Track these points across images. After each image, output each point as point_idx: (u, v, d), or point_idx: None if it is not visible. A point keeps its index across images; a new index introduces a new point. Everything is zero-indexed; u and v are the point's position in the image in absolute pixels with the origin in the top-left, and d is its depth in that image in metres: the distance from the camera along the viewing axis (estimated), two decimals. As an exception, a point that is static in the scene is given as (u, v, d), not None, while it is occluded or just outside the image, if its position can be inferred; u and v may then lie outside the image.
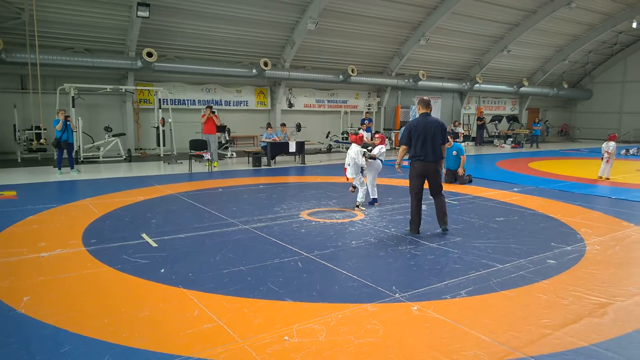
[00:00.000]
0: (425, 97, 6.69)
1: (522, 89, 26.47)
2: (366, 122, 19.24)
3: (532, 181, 11.65)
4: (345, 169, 8.14)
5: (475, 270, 4.99)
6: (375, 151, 8.50)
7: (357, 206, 8.11)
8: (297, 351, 3.28)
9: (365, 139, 17.00)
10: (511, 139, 24.28)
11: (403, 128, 6.63)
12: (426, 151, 6.31)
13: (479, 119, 25.07)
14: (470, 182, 11.20)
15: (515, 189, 10.39)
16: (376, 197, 8.57)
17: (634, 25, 23.20)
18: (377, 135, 9.09)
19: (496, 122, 26.16)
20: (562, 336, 3.59)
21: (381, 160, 8.56)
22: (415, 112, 22.82)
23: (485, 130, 25.37)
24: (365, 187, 8.25)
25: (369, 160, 8.37)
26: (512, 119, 26.92)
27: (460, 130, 23.15)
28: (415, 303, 4.12)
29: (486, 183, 11.28)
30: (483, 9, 20.02)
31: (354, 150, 8.01)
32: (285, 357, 3.21)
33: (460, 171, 11.09)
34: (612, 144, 12.00)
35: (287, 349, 3.32)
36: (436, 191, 6.56)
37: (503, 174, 13.09)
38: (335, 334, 3.53)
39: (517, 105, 29.57)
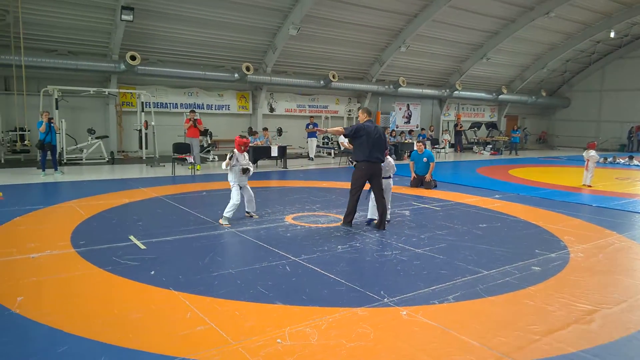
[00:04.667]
0: (367, 107, 7.28)
1: (501, 96, 26.97)
2: (310, 126, 18.77)
3: (512, 188, 11.86)
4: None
5: (461, 276, 5.08)
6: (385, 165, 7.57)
7: (223, 217, 7.20)
8: (290, 354, 3.32)
9: (342, 143, 17.11)
10: (490, 146, 24.72)
11: (355, 125, 7.21)
12: (374, 153, 6.88)
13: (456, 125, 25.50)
14: (435, 186, 11.42)
15: (496, 196, 10.57)
16: (375, 218, 7.32)
17: (612, 34, 23.88)
18: None
19: (475, 129, 26.61)
20: (551, 342, 3.66)
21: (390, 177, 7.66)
22: (395, 117, 23.18)
23: (463, 137, 25.76)
24: (231, 201, 7.15)
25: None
26: (491, 125, 27.41)
27: (446, 137, 23.44)
28: (404, 308, 4.19)
29: (467, 189, 11.46)
30: (463, 18, 20.39)
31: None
32: (279, 359, 3.26)
33: (427, 177, 11.33)
34: (592, 152, 12.30)
35: (280, 351, 3.36)
36: (381, 192, 7.03)
37: (484, 181, 13.33)
38: (327, 338, 3.58)
39: (496, 113, 30.10)
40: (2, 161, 14.24)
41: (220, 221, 7.16)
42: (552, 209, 9.17)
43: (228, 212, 7.14)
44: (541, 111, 32.67)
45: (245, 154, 7.49)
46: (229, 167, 7.16)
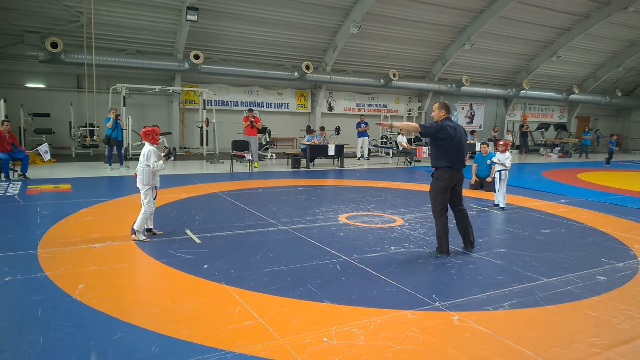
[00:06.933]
0: (445, 102, 6.07)
1: (572, 96, 25.56)
2: (362, 125, 18.16)
3: (581, 193, 11.22)
4: (136, 174, 6.06)
5: (519, 283, 4.85)
6: (507, 162, 8.92)
7: (134, 233, 5.91)
8: (336, 353, 3.29)
9: (400, 143, 16.94)
10: (558, 148, 23.50)
11: (435, 123, 5.86)
12: (459, 158, 5.82)
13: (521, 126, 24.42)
14: None
15: (562, 200, 10.04)
16: (502, 205, 8.89)
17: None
18: (500, 142, 9.28)
19: (542, 129, 25.37)
20: (613, 356, 3.42)
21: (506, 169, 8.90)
22: (457, 117, 22.53)
23: (529, 138, 24.62)
24: (147, 210, 5.91)
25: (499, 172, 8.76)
26: (560, 127, 26.02)
27: (508, 138, 22.52)
28: (455, 313, 4.05)
29: (531, 193, 10.95)
30: (532, 13, 19.51)
31: (147, 149, 5.95)
32: (324, 358, 3.23)
33: (489, 179, 10.88)
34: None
35: (326, 350, 3.34)
36: (461, 201, 6.00)
37: (549, 184, 12.68)
38: (374, 339, 3.52)
39: (566, 113, 28.56)
40: (73, 155, 15.30)
41: (134, 237, 5.90)
42: (623, 216, 8.57)
43: (141, 222, 5.89)
44: (616, 112, 30.68)
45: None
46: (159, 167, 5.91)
